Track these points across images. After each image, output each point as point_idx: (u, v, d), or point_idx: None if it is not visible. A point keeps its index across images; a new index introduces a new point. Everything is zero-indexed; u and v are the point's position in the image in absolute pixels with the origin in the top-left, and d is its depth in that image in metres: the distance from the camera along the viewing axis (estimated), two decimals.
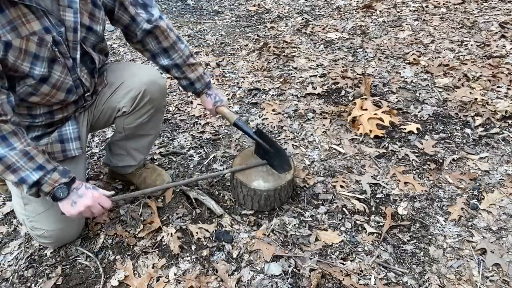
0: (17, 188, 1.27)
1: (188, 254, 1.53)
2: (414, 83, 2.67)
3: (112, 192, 1.40)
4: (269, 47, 3.23)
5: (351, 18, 3.80)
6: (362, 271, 1.45)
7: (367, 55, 3.07)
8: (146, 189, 1.60)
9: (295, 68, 2.92)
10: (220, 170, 1.97)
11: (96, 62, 1.40)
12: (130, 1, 1.43)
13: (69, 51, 1.28)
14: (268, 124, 2.31)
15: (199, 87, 1.64)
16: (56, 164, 1.27)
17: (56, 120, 1.41)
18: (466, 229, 1.62)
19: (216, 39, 3.51)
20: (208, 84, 1.66)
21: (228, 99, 2.59)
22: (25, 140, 1.21)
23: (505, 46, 3.02)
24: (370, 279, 1.43)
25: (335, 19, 3.79)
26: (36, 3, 1.12)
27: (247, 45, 3.36)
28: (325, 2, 4.25)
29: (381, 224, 1.65)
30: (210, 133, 2.26)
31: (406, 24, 3.57)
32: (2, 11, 1.07)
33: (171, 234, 1.60)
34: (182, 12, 4.27)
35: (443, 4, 3.91)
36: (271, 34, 3.54)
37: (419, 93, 2.56)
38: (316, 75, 2.81)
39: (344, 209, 1.72)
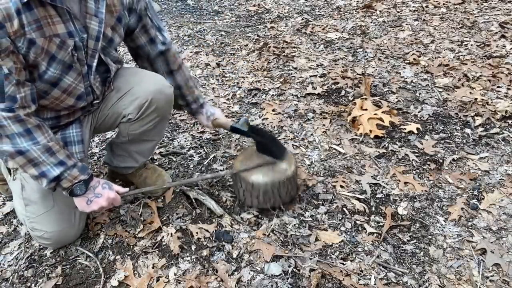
0: (34, 181, 1.30)
1: (188, 254, 1.53)
2: (414, 83, 2.67)
3: (127, 189, 1.44)
4: (269, 47, 3.23)
5: (351, 18, 3.81)
6: (362, 271, 1.45)
7: (367, 55, 3.07)
8: (165, 183, 1.69)
9: (295, 68, 2.92)
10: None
11: (112, 72, 1.44)
12: (151, 24, 1.51)
13: (87, 58, 1.31)
14: (268, 124, 2.31)
15: (194, 107, 1.73)
16: (75, 160, 1.30)
17: (61, 124, 1.43)
18: (466, 229, 1.62)
19: (216, 39, 3.51)
20: (202, 105, 1.75)
21: (228, 99, 2.60)
22: (48, 135, 1.24)
23: (505, 46, 3.02)
24: (370, 279, 1.43)
25: (335, 19, 3.79)
26: (66, 6, 1.15)
27: (247, 45, 3.36)
28: (325, 2, 4.25)
29: (381, 224, 1.65)
30: (210, 133, 2.26)
31: (406, 24, 3.58)
32: (30, 9, 1.10)
33: (171, 234, 1.60)
34: (182, 12, 4.27)
35: (443, 4, 3.91)
36: (271, 34, 3.54)
37: (419, 93, 2.56)
38: (316, 75, 2.81)
39: (344, 209, 1.72)
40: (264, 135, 1.73)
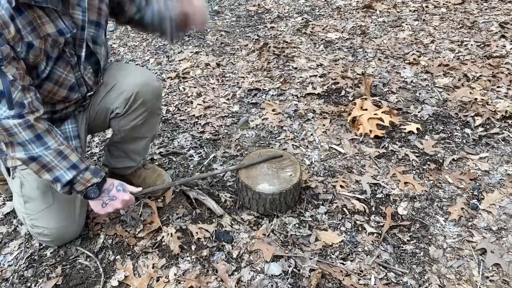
0: (51, 186, 1.31)
1: (188, 254, 1.53)
2: (414, 83, 2.67)
3: (140, 189, 1.45)
4: (269, 47, 3.23)
5: (351, 18, 3.80)
6: (362, 271, 1.45)
7: (367, 55, 3.07)
8: (175, 181, 1.68)
9: (295, 68, 2.92)
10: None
11: (101, 61, 1.43)
12: None
13: (75, 49, 1.30)
14: (268, 124, 2.31)
15: None
16: (88, 163, 1.31)
17: (55, 118, 1.42)
18: (466, 229, 1.62)
19: (216, 39, 3.51)
20: None
21: (228, 99, 2.59)
22: (58, 139, 1.25)
23: (505, 46, 3.02)
24: (370, 279, 1.43)
25: (335, 19, 3.79)
26: (50, 5, 1.14)
27: (247, 45, 3.36)
28: (325, 2, 4.25)
29: (381, 224, 1.65)
30: (210, 133, 2.26)
31: (406, 24, 3.57)
32: (21, 12, 1.10)
33: (171, 234, 1.60)
34: None
35: (443, 4, 3.91)
36: (271, 34, 3.54)
37: (419, 93, 2.56)
38: (316, 75, 2.81)
39: (344, 209, 1.72)
40: None
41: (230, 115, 2.42)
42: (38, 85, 1.26)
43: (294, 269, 1.46)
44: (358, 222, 1.66)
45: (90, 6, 1.28)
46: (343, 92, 2.60)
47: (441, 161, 1.99)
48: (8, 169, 1.46)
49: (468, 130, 2.20)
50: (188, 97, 2.63)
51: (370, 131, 2.17)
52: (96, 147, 2.20)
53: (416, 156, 2.02)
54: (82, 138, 1.53)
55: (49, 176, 1.25)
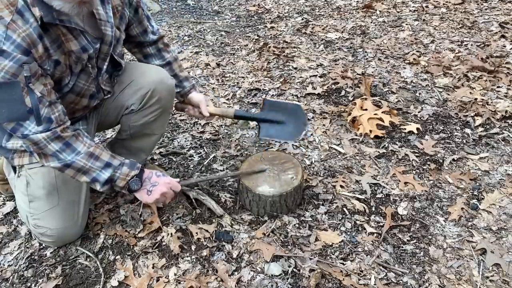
0: (91, 186, 1.33)
1: (188, 254, 1.53)
2: (414, 83, 2.67)
3: (178, 179, 1.47)
4: (269, 47, 3.23)
5: (351, 18, 3.81)
6: (362, 271, 1.45)
7: (367, 55, 3.07)
8: (211, 175, 1.73)
9: (295, 68, 2.92)
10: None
11: (122, 67, 1.49)
12: (144, 15, 1.55)
13: (97, 62, 1.35)
14: None
15: (188, 86, 1.70)
16: (121, 158, 1.34)
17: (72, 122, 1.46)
18: (466, 229, 1.62)
19: (216, 39, 3.51)
20: (194, 85, 1.74)
21: (228, 99, 2.59)
22: (86, 142, 1.28)
23: (505, 46, 3.02)
24: (370, 279, 1.42)
25: (335, 19, 3.79)
26: (74, 24, 1.18)
27: (247, 45, 3.36)
28: (325, 2, 4.25)
29: (381, 224, 1.65)
30: (210, 133, 2.26)
31: (406, 24, 3.58)
32: (47, 30, 1.14)
33: (171, 234, 1.60)
34: (182, 12, 4.27)
35: (443, 4, 3.91)
36: (271, 34, 3.54)
37: (419, 93, 2.56)
38: (316, 75, 2.81)
39: (344, 209, 1.72)
40: (279, 110, 1.72)
41: None
42: (60, 97, 1.29)
43: (294, 269, 1.46)
44: (358, 222, 1.66)
45: (114, 24, 1.34)
46: (343, 92, 2.60)
47: (441, 161, 1.99)
48: (14, 168, 1.47)
49: (468, 130, 2.20)
50: None
51: (370, 131, 2.17)
52: None
53: (416, 156, 2.02)
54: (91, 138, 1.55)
55: (87, 178, 1.28)
